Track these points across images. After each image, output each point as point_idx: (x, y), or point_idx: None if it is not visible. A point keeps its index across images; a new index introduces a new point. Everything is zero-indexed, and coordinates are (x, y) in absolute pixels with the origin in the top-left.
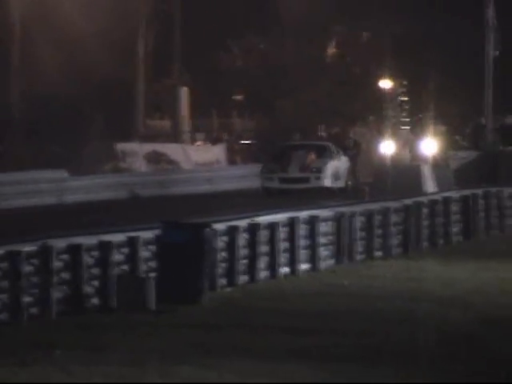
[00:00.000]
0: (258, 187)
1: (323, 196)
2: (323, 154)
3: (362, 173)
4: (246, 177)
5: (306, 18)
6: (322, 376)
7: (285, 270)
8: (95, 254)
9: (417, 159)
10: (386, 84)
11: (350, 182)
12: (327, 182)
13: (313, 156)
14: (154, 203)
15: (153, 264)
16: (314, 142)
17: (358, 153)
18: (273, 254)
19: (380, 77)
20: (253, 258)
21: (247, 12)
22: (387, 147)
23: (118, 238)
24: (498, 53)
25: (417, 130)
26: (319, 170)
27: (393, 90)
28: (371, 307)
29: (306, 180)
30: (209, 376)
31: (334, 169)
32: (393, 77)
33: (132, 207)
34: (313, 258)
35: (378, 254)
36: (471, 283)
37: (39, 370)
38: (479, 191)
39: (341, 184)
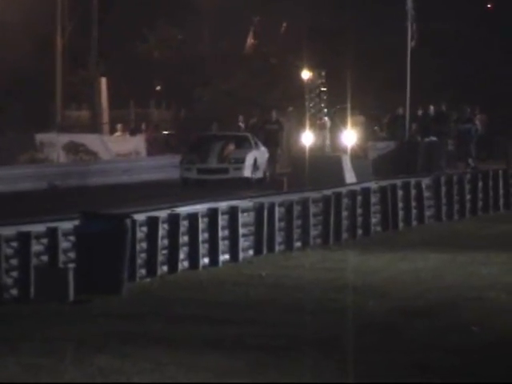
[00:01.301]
0: (177, 178)
1: (242, 187)
2: (242, 144)
3: (280, 163)
4: (164, 167)
5: (222, 7)
6: (237, 365)
7: (204, 260)
8: (14, 244)
9: (336, 150)
10: (305, 75)
11: (267, 173)
12: (247, 172)
13: (231, 146)
14: (72, 194)
15: (72, 255)
16: (232, 132)
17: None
18: (193, 245)
19: (298, 67)
20: (173, 249)
21: (163, 2)
22: (306, 138)
23: (38, 228)
24: (414, 43)
25: (336, 120)
26: (238, 161)
27: (312, 80)
28: (289, 297)
29: (225, 170)
30: (125, 365)
31: (253, 159)
32: (311, 67)
33: (51, 198)
34: (233, 249)
35: (298, 244)
36: (388, 273)
37: None
38: (398, 182)
39: (259, 175)
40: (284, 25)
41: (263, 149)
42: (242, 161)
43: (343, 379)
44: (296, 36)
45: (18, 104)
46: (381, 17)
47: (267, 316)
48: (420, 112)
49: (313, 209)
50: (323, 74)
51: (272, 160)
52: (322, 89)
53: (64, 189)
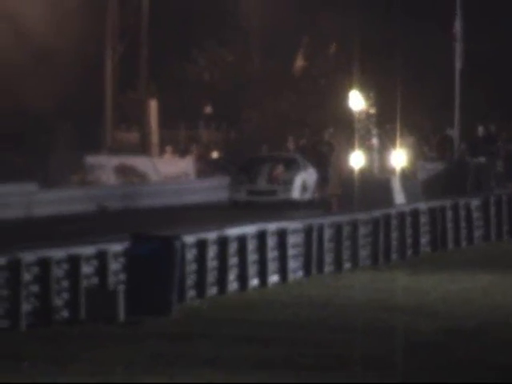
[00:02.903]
0: (226, 200)
1: (291, 208)
2: (291, 166)
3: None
4: (214, 189)
5: (271, 27)
6: None
7: (254, 281)
8: (65, 266)
9: (386, 171)
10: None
11: (316, 194)
12: (295, 194)
13: (280, 168)
14: (122, 216)
15: (122, 276)
16: (281, 153)
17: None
18: (242, 266)
19: (347, 88)
20: (222, 270)
21: (212, 23)
22: (356, 159)
23: (88, 250)
24: (461, 64)
25: (385, 141)
26: (287, 182)
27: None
28: (338, 318)
29: (274, 192)
30: None
31: (302, 181)
32: (360, 88)
33: (101, 220)
34: (282, 270)
35: (347, 265)
36: (438, 293)
37: (5, 381)
38: (447, 203)
39: (308, 196)
40: (333, 45)
41: (312, 170)
42: (291, 182)
43: None
44: (345, 56)
45: (69, 125)
46: (429, 35)
47: (317, 336)
48: (481, 131)
49: (362, 230)
50: (371, 94)
51: (323, 181)
52: (371, 110)
53: (114, 211)
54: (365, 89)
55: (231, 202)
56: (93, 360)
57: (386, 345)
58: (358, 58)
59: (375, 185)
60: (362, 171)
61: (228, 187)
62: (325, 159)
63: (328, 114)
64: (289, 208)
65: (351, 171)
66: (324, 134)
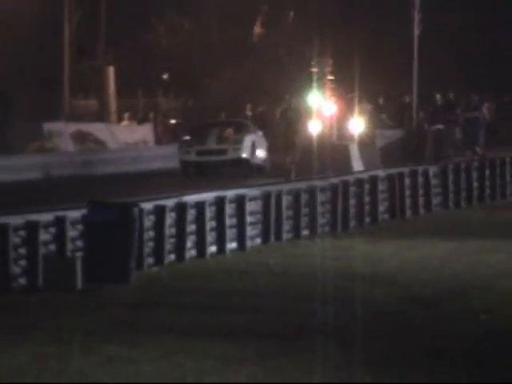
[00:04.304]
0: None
1: (241, 170)
2: (241, 128)
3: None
4: (172, 157)
5: None
6: (246, 353)
7: (212, 249)
8: (22, 233)
9: (344, 138)
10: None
11: (267, 162)
12: (245, 153)
13: (230, 130)
14: (80, 183)
15: (80, 244)
16: (231, 119)
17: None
18: (200, 233)
19: (306, 56)
20: (180, 237)
21: None
22: (314, 126)
23: (45, 217)
24: (419, 31)
25: (345, 108)
26: (237, 142)
27: (319, 69)
28: (296, 286)
29: (224, 151)
30: (134, 354)
31: (252, 142)
32: (318, 56)
33: (58, 188)
34: (240, 237)
35: (305, 232)
36: (396, 261)
37: None
38: (406, 170)
39: (258, 161)
40: (291, 14)
41: (261, 135)
42: (241, 142)
43: (351, 367)
44: (304, 25)
45: (26, 93)
46: (388, 2)
47: (275, 304)
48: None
49: (320, 197)
50: (330, 62)
51: (291, 148)
52: (330, 77)
53: (72, 178)
54: (323, 56)
55: (181, 164)
56: (52, 328)
57: (345, 313)
58: (317, 26)
59: (333, 151)
60: (320, 138)
61: (178, 149)
62: (291, 126)
63: (287, 82)
64: (239, 168)
65: (310, 138)
66: (291, 101)
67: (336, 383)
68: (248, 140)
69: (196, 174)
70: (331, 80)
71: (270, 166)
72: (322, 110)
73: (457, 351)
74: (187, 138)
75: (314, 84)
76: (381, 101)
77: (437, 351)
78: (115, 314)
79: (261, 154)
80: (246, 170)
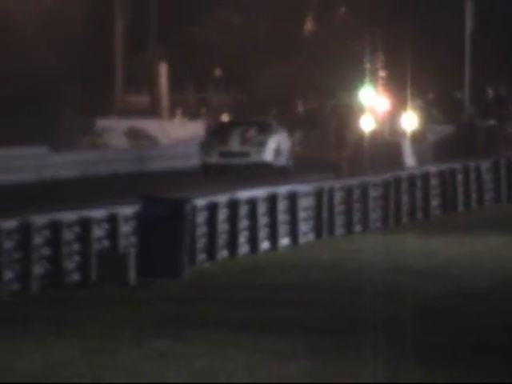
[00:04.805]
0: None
1: (264, 172)
2: (264, 129)
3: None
4: None
5: None
6: (297, 347)
7: (264, 244)
8: (76, 229)
9: (396, 134)
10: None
11: (290, 162)
12: (268, 156)
13: (253, 131)
14: (132, 179)
15: (133, 239)
16: (255, 119)
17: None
18: (253, 229)
19: (358, 52)
20: (233, 233)
21: None
22: (366, 122)
23: (99, 213)
24: (472, 26)
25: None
26: (260, 144)
27: (371, 65)
28: (348, 280)
29: (247, 154)
30: (185, 348)
31: (276, 144)
32: (371, 51)
33: (112, 183)
34: (293, 233)
35: (358, 228)
36: (448, 256)
37: (15, 343)
38: (458, 165)
39: (282, 161)
40: (343, 9)
41: (285, 135)
42: (264, 144)
43: (402, 362)
44: (355, 21)
45: (77, 89)
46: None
47: (326, 299)
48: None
49: (373, 193)
50: (382, 58)
51: (343, 144)
52: (381, 73)
53: (124, 174)
54: (375, 52)
55: (202, 166)
56: (103, 322)
57: (396, 307)
58: (368, 21)
59: (386, 147)
60: (372, 134)
61: (199, 151)
62: (343, 122)
63: (338, 77)
64: (262, 172)
65: (361, 134)
66: (341, 97)
67: (386, 383)
68: (271, 142)
69: (217, 175)
70: (383, 76)
71: (321, 162)
72: (373, 105)
73: (505, 343)
74: (208, 138)
75: (366, 80)
76: (431, 96)
77: (485, 345)
78: (167, 309)
79: (284, 155)
80: (268, 173)
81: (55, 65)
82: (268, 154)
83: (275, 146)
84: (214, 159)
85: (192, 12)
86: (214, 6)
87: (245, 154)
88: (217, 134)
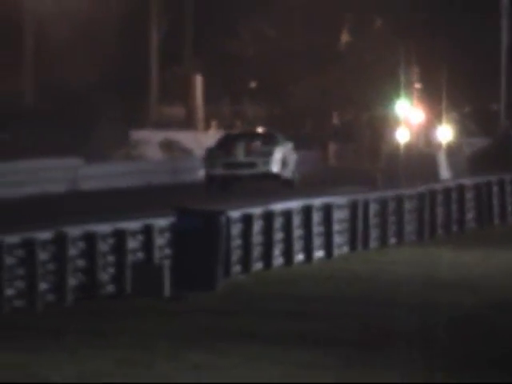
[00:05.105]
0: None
1: (271, 183)
2: (269, 140)
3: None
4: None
5: (316, 3)
6: (329, 360)
7: (299, 256)
8: (110, 241)
9: (431, 146)
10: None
11: (297, 175)
12: (276, 167)
13: (258, 142)
14: (167, 191)
15: (168, 251)
16: (260, 130)
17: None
18: (287, 241)
19: (393, 64)
20: (267, 245)
21: None
22: (401, 134)
23: (133, 225)
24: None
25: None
26: (267, 154)
27: (406, 77)
28: (383, 293)
29: (253, 165)
30: (218, 360)
31: (282, 155)
32: (406, 64)
33: (146, 195)
34: (327, 245)
35: (393, 240)
36: (481, 269)
37: (48, 355)
38: (493, 178)
39: (288, 174)
40: (378, 21)
41: (291, 147)
42: (271, 154)
43: (434, 375)
44: (390, 33)
45: (113, 101)
46: (475, 11)
47: (360, 311)
48: None
49: (408, 205)
50: (417, 70)
51: (377, 156)
52: (417, 86)
53: (159, 186)
54: (411, 65)
55: (207, 178)
56: (137, 334)
57: (429, 319)
58: (403, 34)
59: (421, 160)
60: (407, 146)
61: (203, 163)
62: (378, 134)
63: (374, 90)
64: (269, 183)
65: (396, 146)
66: (376, 109)
67: None
68: (278, 153)
69: (221, 188)
70: (418, 88)
71: (356, 174)
72: (408, 118)
73: None
74: (213, 150)
75: (401, 92)
76: (467, 109)
77: None
78: (201, 321)
79: (290, 168)
80: (274, 185)
81: (91, 77)
82: (275, 165)
83: (282, 157)
84: (219, 170)
85: (227, 24)
86: (250, 19)
87: (251, 165)
88: (221, 146)
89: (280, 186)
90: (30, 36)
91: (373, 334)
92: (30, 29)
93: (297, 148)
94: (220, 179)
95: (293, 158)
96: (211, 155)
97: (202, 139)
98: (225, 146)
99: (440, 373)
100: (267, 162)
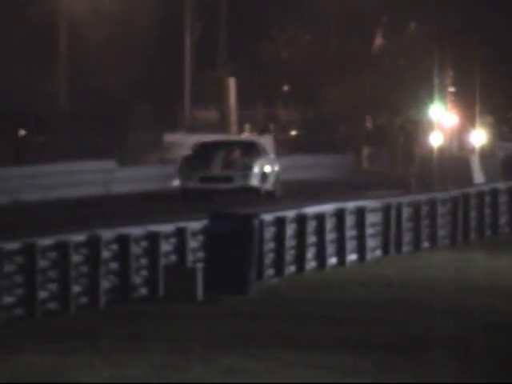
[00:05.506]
0: (307, 179)
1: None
2: (249, 151)
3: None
4: (292, 168)
5: (349, 7)
6: (363, 365)
7: (332, 260)
8: (143, 243)
9: (465, 150)
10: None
11: (278, 187)
12: (254, 181)
13: (237, 153)
14: (200, 194)
15: (201, 254)
16: (239, 139)
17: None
18: (320, 245)
19: (427, 68)
20: (300, 249)
21: (290, 2)
22: (435, 138)
23: (166, 228)
24: None
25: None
26: (245, 168)
27: (440, 81)
28: (416, 298)
29: (230, 179)
30: (252, 365)
31: (262, 167)
32: (440, 67)
33: (179, 198)
34: (360, 249)
35: (426, 244)
36: None
37: (83, 358)
38: None
39: (268, 186)
40: (412, 25)
41: (273, 157)
42: (250, 168)
43: (470, 378)
44: (424, 37)
45: (146, 104)
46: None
47: (393, 316)
48: None
49: (441, 209)
50: (451, 74)
51: (411, 159)
52: (451, 89)
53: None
54: (444, 68)
55: (181, 191)
56: (171, 338)
57: (463, 325)
58: (437, 37)
59: (454, 163)
60: (441, 150)
61: (177, 175)
62: (412, 138)
63: (407, 93)
64: (246, 196)
65: (430, 150)
66: (410, 113)
67: None
68: (257, 165)
69: (197, 200)
70: (452, 92)
71: (390, 178)
72: (442, 121)
73: None
74: (188, 161)
75: (435, 96)
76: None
77: None
78: (234, 325)
79: (271, 179)
80: (254, 197)
81: (124, 79)
82: (254, 178)
83: (261, 169)
84: (194, 184)
85: (261, 28)
86: (283, 22)
87: (228, 179)
88: (197, 156)
89: (260, 199)
90: (65, 37)
91: (408, 339)
92: (64, 30)
93: (330, 152)
94: (195, 193)
95: (274, 169)
96: (187, 166)
97: None
98: (201, 156)
99: (476, 377)
100: (246, 176)
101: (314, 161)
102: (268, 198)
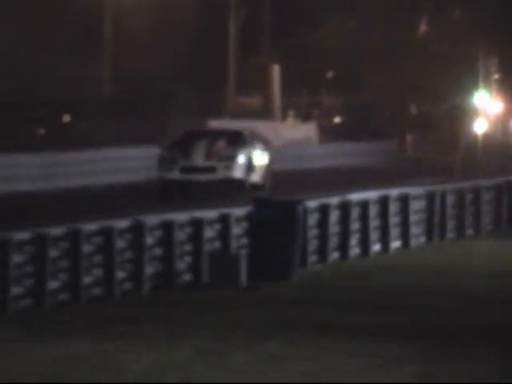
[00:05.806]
0: (348, 165)
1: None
2: (235, 141)
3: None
4: (336, 155)
5: None
6: (405, 352)
7: (376, 247)
8: (188, 230)
9: (509, 136)
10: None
11: (267, 180)
12: (238, 172)
13: (222, 143)
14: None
15: (244, 241)
16: (224, 128)
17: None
18: (364, 231)
19: (472, 55)
20: (344, 235)
21: None
22: (479, 125)
23: (210, 214)
24: None
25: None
26: (229, 158)
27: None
28: (459, 285)
29: (213, 170)
30: (292, 351)
31: (248, 159)
32: (485, 54)
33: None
34: (404, 236)
35: (470, 232)
36: None
37: (126, 343)
38: None
39: (255, 179)
40: (457, 12)
41: (262, 148)
42: (233, 158)
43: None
44: (469, 24)
45: (190, 91)
46: None
47: (436, 304)
48: None
49: (485, 196)
50: (496, 62)
51: (456, 146)
52: (496, 77)
53: None
54: (489, 55)
55: (161, 183)
56: (213, 324)
57: (508, 313)
58: (482, 24)
59: (499, 150)
60: (485, 137)
61: (157, 165)
62: (456, 124)
63: (452, 80)
64: (231, 189)
65: (474, 137)
66: (455, 100)
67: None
68: (242, 156)
69: (178, 195)
70: (497, 79)
71: (435, 164)
72: (487, 108)
73: None
74: (169, 150)
75: (480, 83)
76: None
77: None
78: (276, 311)
79: (259, 172)
80: (238, 191)
81: (169, 67)
82: (238, 170)
83: (247, 161)
84: (175, 175)
85: (305, 15)
86: (328, 10)
87: (210, 170)
88: (179, 146)
89: (247, 192)
90: (109, 25)
91: (450, 327)
92: (108, 18)
93: (374, 139)
94: (176, 185)
95: (262, 160)
96: (166, 157)
97: (279, 129)
98: (183, 146)
99: None
100: (228, 167)
101: (356, 148)
102: (256, 192)
